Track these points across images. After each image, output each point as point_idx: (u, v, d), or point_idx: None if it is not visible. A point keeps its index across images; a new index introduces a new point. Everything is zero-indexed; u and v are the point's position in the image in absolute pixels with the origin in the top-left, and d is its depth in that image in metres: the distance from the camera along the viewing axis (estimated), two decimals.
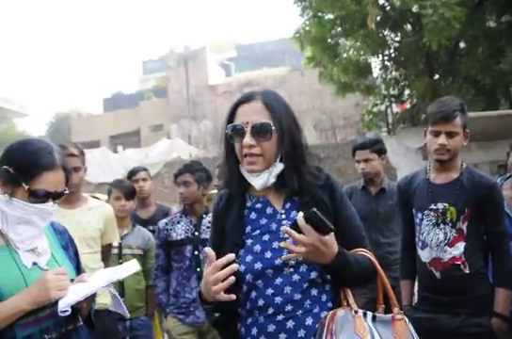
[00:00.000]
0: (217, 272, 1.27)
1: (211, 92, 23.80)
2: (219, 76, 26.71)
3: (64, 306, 1.41)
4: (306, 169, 1.46)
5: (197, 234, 3.05)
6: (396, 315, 1.38)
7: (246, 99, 1.46)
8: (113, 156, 14.82)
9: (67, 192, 1.58)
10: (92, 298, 1.54)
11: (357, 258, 1.40)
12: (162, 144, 15.49)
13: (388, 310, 1.42)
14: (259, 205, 1.49)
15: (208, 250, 1.32)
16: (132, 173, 3.95)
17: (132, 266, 1.69)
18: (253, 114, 1.43)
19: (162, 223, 3.15)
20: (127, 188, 3.36)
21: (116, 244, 3.18)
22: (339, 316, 1.31)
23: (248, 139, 1.40)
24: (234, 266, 1.27)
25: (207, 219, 3.08)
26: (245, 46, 36.24)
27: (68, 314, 1.42)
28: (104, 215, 2.83)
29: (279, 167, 1.45)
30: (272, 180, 1.45)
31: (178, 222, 3.11)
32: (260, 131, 1.40)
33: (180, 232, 3.06)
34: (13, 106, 29.42)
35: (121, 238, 3.26)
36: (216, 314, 1.37)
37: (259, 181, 1.45)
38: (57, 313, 1.42)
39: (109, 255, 3.02)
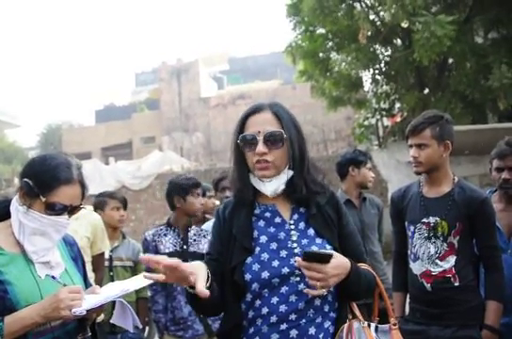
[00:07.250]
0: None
1: (203, 105, 23.89)
2: (212, 89, 26.83)
3: (79, 310, 1.44)
4: (310, 177, 1.52)
5: (185, 247, 3.04)
6: (392, 325, 1.47)
7: (255, 110, 1.52)
8: (105, 168, 14.78)
9: (82, 207, 1.62)
10: (102, 309, 1.56)
11: (364, 272, 1.46)
12: (154, 156, 15.48)
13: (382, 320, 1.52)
14: (267, 214, 1.52)
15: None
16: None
17: (144, 279, 1.70)
18: (264, 124, 1.48)
19: (149, 235, 3.10)
20: (123, 199, 3.37)
21: (106, 256, 3.16)
22: (355, 328, 1.39)
23: (261, 147, 1.45)
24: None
25: (192, 232, 3.09)
26: (237, 59, 36.49)
27: (84, 314, 1.45)
28: (92, 223, 2.81)
29: (288, 173, 1.50)
30: (282, 187, 1.49)
31: (165, 235, 3.08)
32: (272, 139, 1.46)
33: (168, 245, 3.04)
34: (4, 117, 29.29)
35: (112, 250, 3.24)
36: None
37: (270, 187, 1.49)
38: (68, 323, 1.50)
39: (102, 265, 2.98)
